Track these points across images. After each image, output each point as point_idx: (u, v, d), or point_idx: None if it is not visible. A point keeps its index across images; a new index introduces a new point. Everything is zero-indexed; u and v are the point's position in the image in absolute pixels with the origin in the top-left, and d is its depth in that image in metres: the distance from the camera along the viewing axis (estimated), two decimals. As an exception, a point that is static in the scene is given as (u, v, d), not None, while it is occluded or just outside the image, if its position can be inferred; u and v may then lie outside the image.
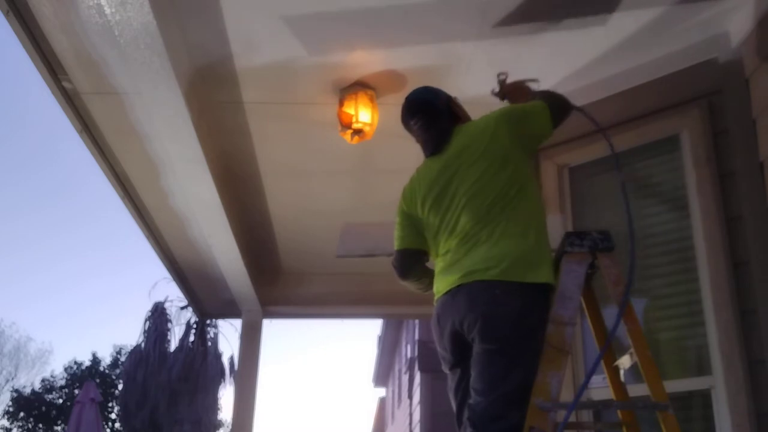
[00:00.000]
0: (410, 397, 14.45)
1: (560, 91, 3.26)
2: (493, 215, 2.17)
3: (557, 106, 2.41)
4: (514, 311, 2.05)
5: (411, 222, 2.44)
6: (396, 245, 2.48)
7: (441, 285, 2.25)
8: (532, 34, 2.92)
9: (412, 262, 2.45)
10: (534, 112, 2.35)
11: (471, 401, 2.08)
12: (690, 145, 2.88)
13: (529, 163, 2.37)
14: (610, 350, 2.28)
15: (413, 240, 2.44)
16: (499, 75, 2.60)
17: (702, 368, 2.68)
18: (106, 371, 23.23)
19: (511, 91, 2.57)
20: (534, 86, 2.57)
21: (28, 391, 23.34)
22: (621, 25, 2.86)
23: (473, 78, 3.21)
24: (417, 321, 13.99)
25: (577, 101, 3.23)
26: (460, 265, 2.18)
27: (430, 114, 2.50)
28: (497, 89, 2.60)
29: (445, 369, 2.30)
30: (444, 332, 2.21)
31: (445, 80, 3.20)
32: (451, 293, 2.18)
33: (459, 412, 2.24)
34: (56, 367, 39.72)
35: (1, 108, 39.91)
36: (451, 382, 2.28)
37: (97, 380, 21.37)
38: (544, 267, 2.11)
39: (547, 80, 3.24)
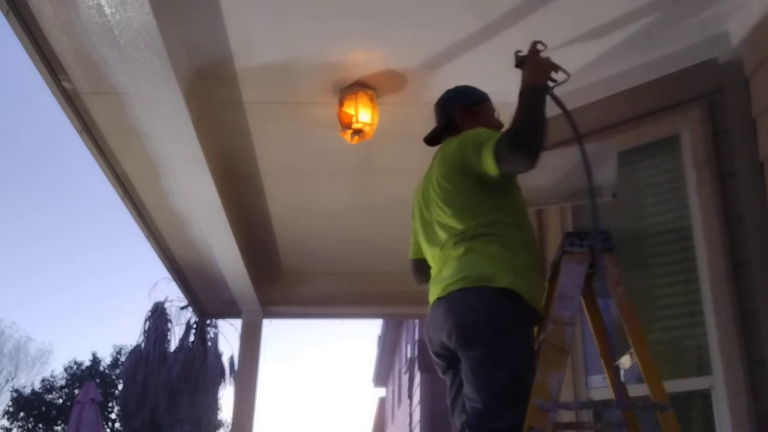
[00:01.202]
0: (410, 397, 14.45)
1: (559, 92, 3.27)
2: (466, 231, 2.19)
3: (516, 143, 2.03)
4: (482, 315, 2.08)
5: (415, 229, 2.51)
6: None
7: (430, 296, 2.31)
8: (531, 35, 2.91)
9: (422, 270, 2.50)
10: (481, 149, 2.13)
11: (466, 407, 2.10)
12: (690, 145, 2.87)
13: (502, 180, 2.18)
14: (609, 350, 2.28)
15: (418, 250, 2.50)
16: (517, 53, 2.35)
17: (702, 368, 2.68)
18: (106, 371, 23.24)
19: (528, 61, 2.31)
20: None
21: (28, 391, 23.36)
22: (621, 25, 2.86)
23: (473, 79, 3.21)
24: (417, 321, 13.98)
25: (578, 101, 3.25)
26: (439, 278, 2.24)
27: (438, 113, 2.54)
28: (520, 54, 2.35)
29: (439, 373, 2.35)
30: (433, 342, 2.28)
31: (445, 81, 3.20)
32: (434, 306, 2.24)
33: (451, 411, 2.29)
34: (56, 367, 39.76)
35: (1, 108, 39.91)
36: (447, 384, 2.33)
37: (97, 380, 21.38)
38: (507, 274, 2.10)
39: (547, 80, 3.24)
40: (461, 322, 2.09)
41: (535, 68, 2.26)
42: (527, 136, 2.03)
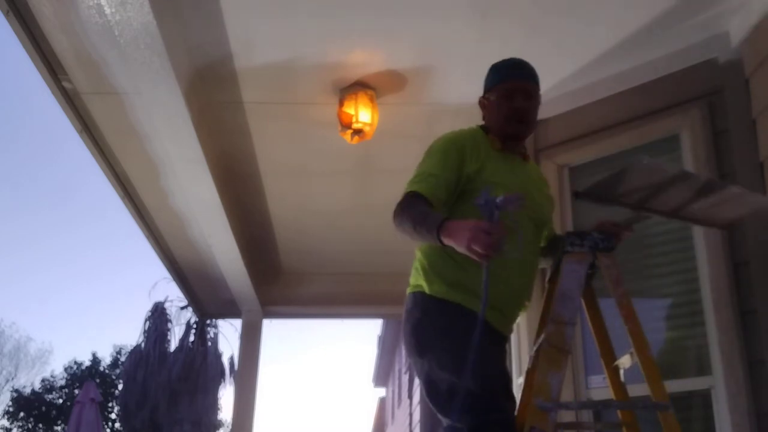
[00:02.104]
0: (410, 397, 14.44)
1: (560, 91, 3.28)
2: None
3: (395, 216, 2.05)
4: (416, 321, 2.04)
5: None
6: None
7: None
8: (532, 35, 2.92)
9: None
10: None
11: None
12: (690, 145, 2.87)
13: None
14: (610, 350, 2.28)
15: None
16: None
17: (702, 368, 2.68)
18: (106, 371, 23.23)
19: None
20: None
21: (28, 391, 23.35)
22: (621, 25, 2.86)
23: (473, 79, 3.21)
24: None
25: (579, 100, 3.25)
26: None
27: None
28: None
29: None
30: None
31: (446, 81, 3.20)
32: None
33: None
34: (56, 367, 39.73)
35: (1, 108, 39.91)
36: None
37: (97, 380, 21.37)
38: (437, 284, 2.05)
39: (547, 81, 3.24)
40: (403, 330, 2.08)
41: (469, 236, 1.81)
42: (400, 222, 2.02)
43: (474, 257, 1.79)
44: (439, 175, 2.07)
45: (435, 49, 3.02)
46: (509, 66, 2.23)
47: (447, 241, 1.86)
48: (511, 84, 2.18)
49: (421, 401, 12.98)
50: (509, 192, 1.99)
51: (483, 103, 2.26)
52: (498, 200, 1.80)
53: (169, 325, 17.06)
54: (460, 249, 1.82)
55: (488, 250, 1.75)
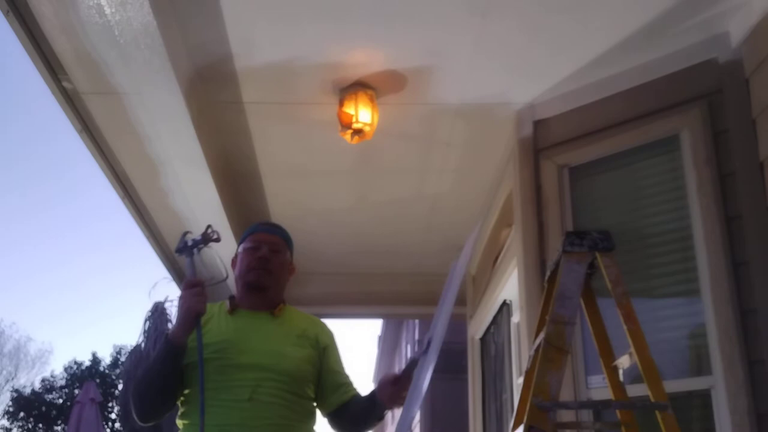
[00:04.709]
0: (410, 397, 14.43)
1: (560, 91, 3.28)
2: None
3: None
4: None
5: None
6: None
7: None
8: (532, 35, 2.92)
9: None
10: None
11: None
12: (690, 145, 2.87)
13: None
14: (609, 350, 2.28)
15: None
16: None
17: (702, 368, 2.68)
18: (106, 371, 23.25)
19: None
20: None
21: (28, 391, 23.38)
22: (621, 25, 2.86)
23: (473, 79, 3.21)
24: (417, 321, 13.98)
25: (579, 101, 3.26)
26: None
27: None
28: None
29: None
30: None
31: (446, 81, 3.20)
32: None
33: None
34: (56, 367, 39.71)
35: (1, 108, 39.93)
36: None
37: (97, 380, 21.37)
38: None
39: (547, 81, 3.25)
40: None
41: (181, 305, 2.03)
42: (132, 393, 2.10)
43: (189, 317, 1.96)
44: None
45: (435, 49, 3.02)
46: (260, 223, 2.29)
47: (173, 332, 1.97)
48: (258, 236, 2.18)
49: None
50: (222, 344, 2.09)
51: (233, 261, 2.23)
52: (195, 239, 1.97)
53: (169, 325, 17.02)
54: (181, 322, 1.96)
55: (185, 295, 1.95)
